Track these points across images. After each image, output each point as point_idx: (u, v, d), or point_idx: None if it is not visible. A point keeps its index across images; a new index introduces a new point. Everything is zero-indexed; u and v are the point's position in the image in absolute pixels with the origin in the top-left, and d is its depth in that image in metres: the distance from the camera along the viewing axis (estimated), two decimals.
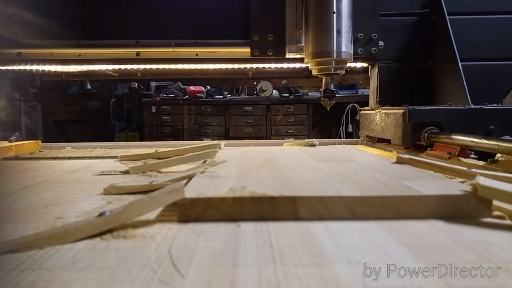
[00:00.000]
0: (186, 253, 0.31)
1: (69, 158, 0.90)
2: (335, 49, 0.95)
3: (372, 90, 1.23)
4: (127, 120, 3.84)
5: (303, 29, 1.03)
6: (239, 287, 0.25)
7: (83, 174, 0.69)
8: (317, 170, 0.59)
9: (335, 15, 0.94)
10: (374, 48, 1.12)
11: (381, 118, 1.04)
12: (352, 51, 0.99)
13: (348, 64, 1.04)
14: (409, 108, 0.87)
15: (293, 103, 3.52)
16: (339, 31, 0.94)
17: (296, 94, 3.56)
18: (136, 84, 3.65)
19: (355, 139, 1.28)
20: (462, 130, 0.79)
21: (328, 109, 1.08)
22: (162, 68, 1.31)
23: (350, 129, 3.53)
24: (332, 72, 1.00)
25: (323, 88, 1.05)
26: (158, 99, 3.52)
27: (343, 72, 1.02)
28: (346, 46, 0.96)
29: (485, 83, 1.12)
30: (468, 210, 0.40)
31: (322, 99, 1.07)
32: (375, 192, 0.42)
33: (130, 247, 0.33)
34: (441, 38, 1.13)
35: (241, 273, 0.27)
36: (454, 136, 0.75)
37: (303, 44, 1.05)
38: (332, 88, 1.05)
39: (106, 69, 1.37)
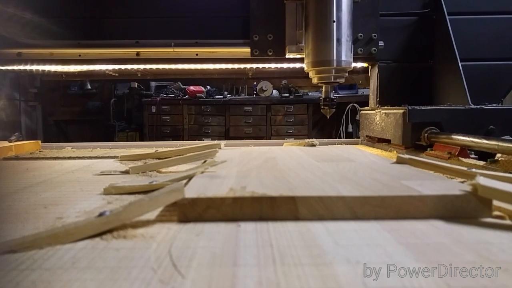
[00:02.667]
0: (186, 253, 0.31)
1: (69, 158, 0.90)
2: (335, 58, 0.95)
3: (372, 90, 1.23)
4: (127, 120, 3.84)
5: (303, 36, 1.03)
6: (239, 287, 0.25)
7: (83, 174, 0.69)
8: (317, 170, 0.59)
9: (335, 24, 0.94)
10: (374, 48, 1.12)
11: (381, 118, 1.04)
12: (352, 60, 0.99)
13: None
14: (409, 108, 0.87)
15: (293, 103, 3.51)
16: (339, 40, 0.95)
17: (296, 94, 3.56)
18: (136, 84, 3.65)
19: (355, 139, 1.28)
20: (462, 130, 0.79)
21: (328, 117, 1.09)
22: (162, 68, 1.31)
23: (350, 129, 3.53)
24: (332, 80, 1.01)
25: (323, 96, 1.06)
26: (158, 99, 3.52)
27: (343, 80, 1.02)
28: (346, 55, 0.96)
29: (485, 83, 1.12)
30: (468, 210, 0.40)
31: (322, 107, 1.07)
32: (375, 192, 0.42)
33: (130, 247, 0.33)
34: (441, 38, 1.13)
35: (241, 273, 0.27)
36: (454, 136, 0.75)
37: (303, 44, 1.05)
38: (332, 97, 1.05)
39: (106, 69, 1.37)
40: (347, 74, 1.02)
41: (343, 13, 0.95)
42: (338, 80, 1.01)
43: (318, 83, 1.03)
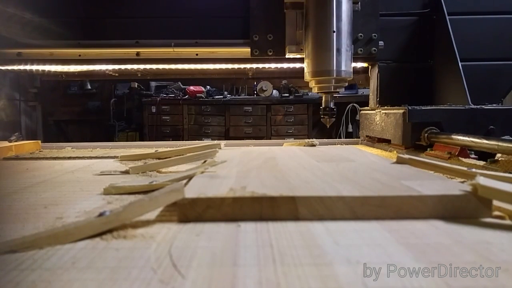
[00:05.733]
0: (186, 253, 0.31)
1: (69, 158, 0.90)
2: (335, 68, 0.96)
3: (372, 90, 1.23)
4: (127, 120, 3.84)
5: (303, 42, 1.03)
6: (239, 287, 0.25)
7: (83, 174, 0.69)
8: (317, 170, 0.59)
9: (335, 34, 0.95)
10: (374, 48, 1.12)
11: (381, 118, 1.04)
12: (351, 70, 1.00)
13: None
14: (409, 108, 0.87)
15: (293, 103, 3.52)
16: (339, 50, 0.95)
17: (296, 94, 3.56)
18: (136, 84, 3.65)
19: (355, 139, 1.29)
20: (462, 130, 0.79)
21: (328, 126, 1.09)
22: (162, 68, 1.31)
23: (350, 129, 3.53)
24: (332, 90, 1.01)
25: (323, 105, 1.06)
26: (158, 99, 3.52)
27: (342, 89, 1.03)
28: (345, 65, 0.96)
29: (485, 83, 1.12)
30: (468, 210, 0.40)
31: (322, 116, 1.07)
32: (375, 192, 0.42)
33: (130, 247, 0.33)
34: (441, 38, 1.13)
35: (241, 273, 0.27)
36: (454, 136, 0.75)
37: (303, 44, 1.05)
38: (332, 106, 1.05)
39: (106, 69, 1.37)
40: (346, 83, 1.03)
41: (343, 23, 0.95)
42: (338, 90, 1.01)
43: (318, 92, 1.04)
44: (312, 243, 0.33)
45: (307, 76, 1.01)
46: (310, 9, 0.99)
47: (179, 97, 3.55)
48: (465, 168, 0.55)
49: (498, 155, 0.65)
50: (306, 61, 1.01)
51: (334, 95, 1.05)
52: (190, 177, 0.54)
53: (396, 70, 1.19)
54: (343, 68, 0.96)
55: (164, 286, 0.26)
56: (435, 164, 0.60)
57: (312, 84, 1.03)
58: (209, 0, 1.19)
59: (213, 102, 3.52)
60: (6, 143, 0.97)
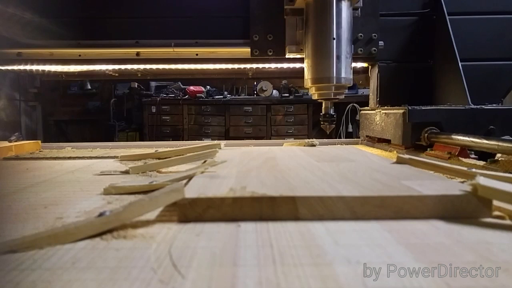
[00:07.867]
0: (186, 253, 0.31)
1: (69, 158, 0.90)
2: (335, 75, 0.96)
3: (372, 90, 1.23)
4: (127, 120, 3.84)
5: (305, 55, 1.03)
6: (239, 287, 0.25)
7: (83, 174, 0.69)
8: (317, 170, 0.59)
9: (335, 41, 0.95)
10: (374, 48, 1.12)
11: (381, 118, 1.04)
12: (352, 76, 1.00)
13: None
14: (409, 108, 0.87)
15: (293, 103, 3.52)
16: (338, 57, 0.95)
17: (296, 94, 3.56)
18: (136, 84, 3.66)
19: (355, 139, 1.28)
20: (462, 130, 0.79)
21: (328, 132, 1.09)
22: (162, 68, 1.31)
23: (350, 129, 3.54)
24: (332, 97, 1.01)
25: (323, 112, 1.06)
26: (158, 99, 3.53)
27: (342, 96, 1.03)
28: (345, 72, 0.97)
29: (485, 83, 1.12)
30: (468, 210, 0.40)
31: (322, 123, 1.07)
32: (375, 192, 0.42)
33: (130, 247, 0.33)
34: (441, 38, 1.13)
35: (241, 273, 0.27)
36: (454, 136, 0.75)
37: (303, 45, 1.05)
38: (331, 112, 1.05)
39: (106, 69, 1.37)
40: (346, 90, 1.03)
41: (343, 30, 0.95)
42: (337, 97, 1.02)
43: (318, 99, 1.04)
44: (312, 243, 0.33)
45: (307, 83, 1.02)
46: (310, 16, 0.99)
47: (179, 97, 3.55)
48: (465, 168, 0.55)
49: (498, 155, 0.65)
50: (306, 67, 1.02)
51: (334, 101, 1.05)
52: (190, 177, 0.54)
53: (396, 70, 1.19)
54: (343, 75, 0.96)
55: (164, 286, 0.26)
56: (435, 164, 0.60)
57: (312, 90, 1.03)
58: (209, 0, 1.19)
59: (213, 102, 3.52)
60: (6, 143, 0.97)
